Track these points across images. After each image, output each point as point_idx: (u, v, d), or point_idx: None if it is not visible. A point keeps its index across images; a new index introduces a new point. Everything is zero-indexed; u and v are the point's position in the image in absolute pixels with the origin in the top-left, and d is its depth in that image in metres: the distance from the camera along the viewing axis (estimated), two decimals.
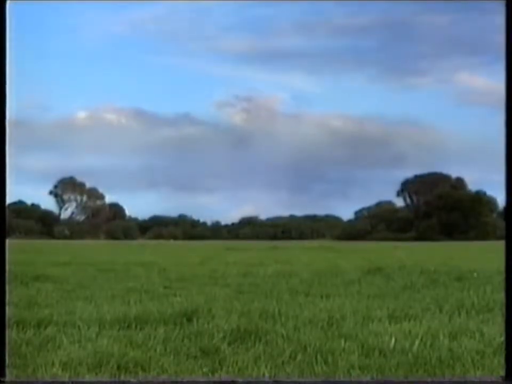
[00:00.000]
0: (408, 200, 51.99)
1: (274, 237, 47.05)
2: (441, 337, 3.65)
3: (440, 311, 4.60)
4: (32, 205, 70.70)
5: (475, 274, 7.53)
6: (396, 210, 52.10)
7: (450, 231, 45.68)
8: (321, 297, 5.35)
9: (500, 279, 5.47)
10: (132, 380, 2.98)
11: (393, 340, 3.51)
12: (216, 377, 2.97)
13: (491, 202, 55.58)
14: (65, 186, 72.56)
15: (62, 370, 3.02)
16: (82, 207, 73.69)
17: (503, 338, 3.20)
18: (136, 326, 4.00)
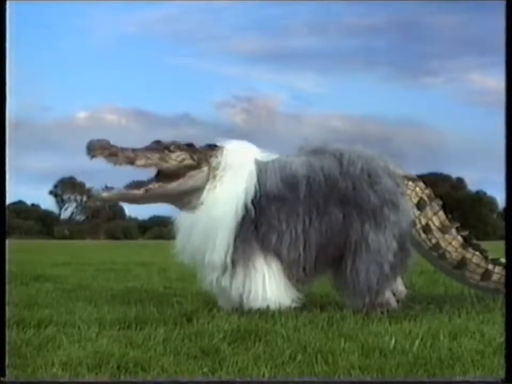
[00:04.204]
0: None
1: None
2: (441, 338, 3.65)
3: (440, 311, 4.59)
4: (32, 205, 70.75)
5: None
6: None
7: None
8: (321, 296, 5.35)
9: None
10: (132, 380, 2.98)
11: (393, 340, 3.51)
12: (216, 378, 2.98)
13: (491, 202, 55.52)
14: (65, 186, 72.63)
15: (62, 370, 3.02)
16: (82, 207, 73.76)
17: (503, 339, 3.21)
18: (136, 326, 4.00)
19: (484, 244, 5.45)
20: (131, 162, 4.61)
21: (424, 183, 5.13)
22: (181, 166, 4.69)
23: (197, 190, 4.70)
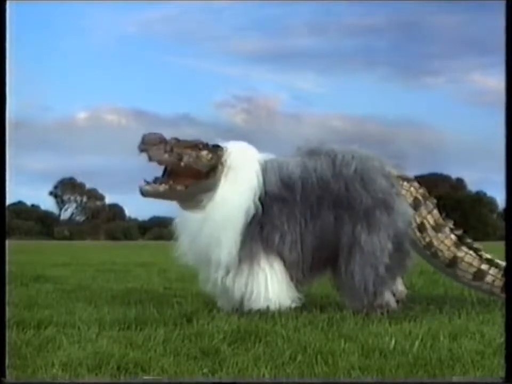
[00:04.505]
0: None
1: None
2: (441, 338, 3.65)
3: (440, 311, 4.59)
4: (32, 205, 70.80)
5: None
6: None
7: None
8: (321, 297, 5.34)
9: None
10: (132, 381, 2.98)
11: (393, 340, 3.51)
12: (216, 378, 2.97)
13: (491, 203, 55.55)
14: (65, 187, 72.69)
15: (62, 371, 3.02)
16: (82, 207, 73.83)
17: (503, 339, 3.21)
18: (136, 327, 4.00)
19: (484, 245, 5.44)
20: (179, 159, 4.60)
21: (419, 182, 5.12)
22: (209, 164, 4.69)
23: (212, 189, 4.69)
